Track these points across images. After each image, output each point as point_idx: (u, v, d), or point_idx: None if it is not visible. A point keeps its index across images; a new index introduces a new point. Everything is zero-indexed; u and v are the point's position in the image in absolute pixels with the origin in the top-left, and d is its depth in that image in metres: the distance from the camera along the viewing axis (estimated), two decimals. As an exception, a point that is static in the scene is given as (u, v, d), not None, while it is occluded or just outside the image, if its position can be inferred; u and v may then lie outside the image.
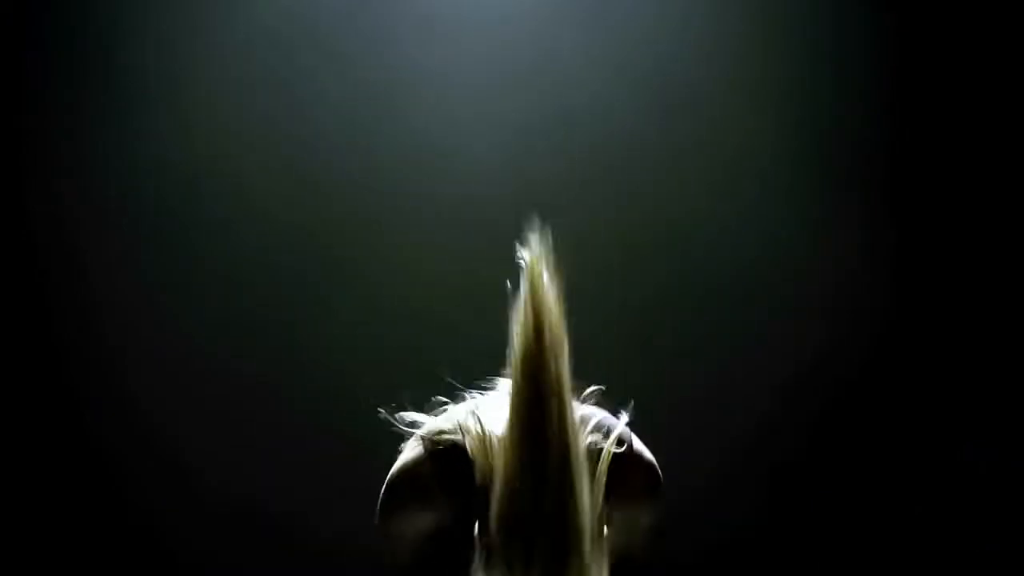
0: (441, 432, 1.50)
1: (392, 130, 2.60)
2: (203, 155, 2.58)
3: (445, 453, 1.49)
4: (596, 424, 1.48)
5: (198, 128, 2.58)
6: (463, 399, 1.68)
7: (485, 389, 1.71)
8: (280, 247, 2.59)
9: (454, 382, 1.72)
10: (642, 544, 1.59)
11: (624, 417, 1.58)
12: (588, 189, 2.61)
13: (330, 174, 2.60)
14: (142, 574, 2.57)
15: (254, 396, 2.58)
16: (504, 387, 1.61)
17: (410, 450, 1.55)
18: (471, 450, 1.43)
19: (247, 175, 2.59)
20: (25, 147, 2.57)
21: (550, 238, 1.41)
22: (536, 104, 2.60)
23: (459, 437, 1.47)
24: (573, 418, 1.39)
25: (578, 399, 1.64)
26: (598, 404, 1.66)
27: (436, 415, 1.61)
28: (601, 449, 1.44)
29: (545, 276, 1.42)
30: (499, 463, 1.36)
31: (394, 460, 1.56)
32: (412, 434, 1.58)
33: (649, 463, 1.60)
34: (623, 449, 1.50)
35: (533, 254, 1.41)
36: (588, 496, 1.32)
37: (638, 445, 1.59)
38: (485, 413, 1.53)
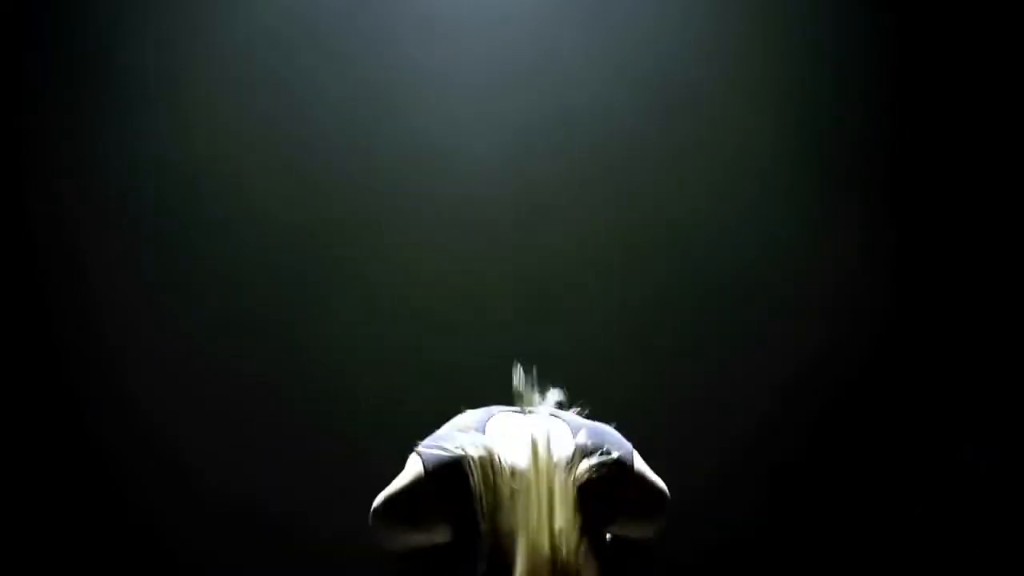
0: (444, 451, 1.49)
1: (392, 130, 2.60)
2: (203, 155, 2.58)
3: (446, 474, 1.48)
4: (595, 448, 1.48)
5: (198, 128, 2.58)
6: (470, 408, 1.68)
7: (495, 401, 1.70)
8: (280, 247, 2.59)
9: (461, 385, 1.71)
10: (641, 548, 1.60)
11: (627, 445, 1.57)
12: (588, 189, 2.61)
13: (330, 174, 2.60)
14: (142, 574, 2.57)
15: (254, 396, 2.58)
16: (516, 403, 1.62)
17: (411, 468, 1.54)
18: (475, 477, 1.42)
19: (247, 175, 2.59)
20: (25, 147, 2.57)
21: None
22: (536, 104, 2.61)
23: (461, 454, 1.46)
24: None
25: (580, 413, 1.64)
26: (600, 414, 1.65)
27: (443, 431, 1.60)
28: (599, 477, 1.44)
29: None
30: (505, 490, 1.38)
31: (394, 460, 1.55)
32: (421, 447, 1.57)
33: (650, 487, 1.59)
34: (624, 472, 1.51)
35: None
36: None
37: (639, 466, 1.58)
38: (492, 432, 1.52)
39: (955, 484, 2.59)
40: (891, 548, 2.60)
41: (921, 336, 2.62)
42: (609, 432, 1.57)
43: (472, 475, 1.42)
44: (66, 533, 2.56)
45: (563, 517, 1.34)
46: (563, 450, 1.46)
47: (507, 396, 1.64)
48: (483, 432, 1.52)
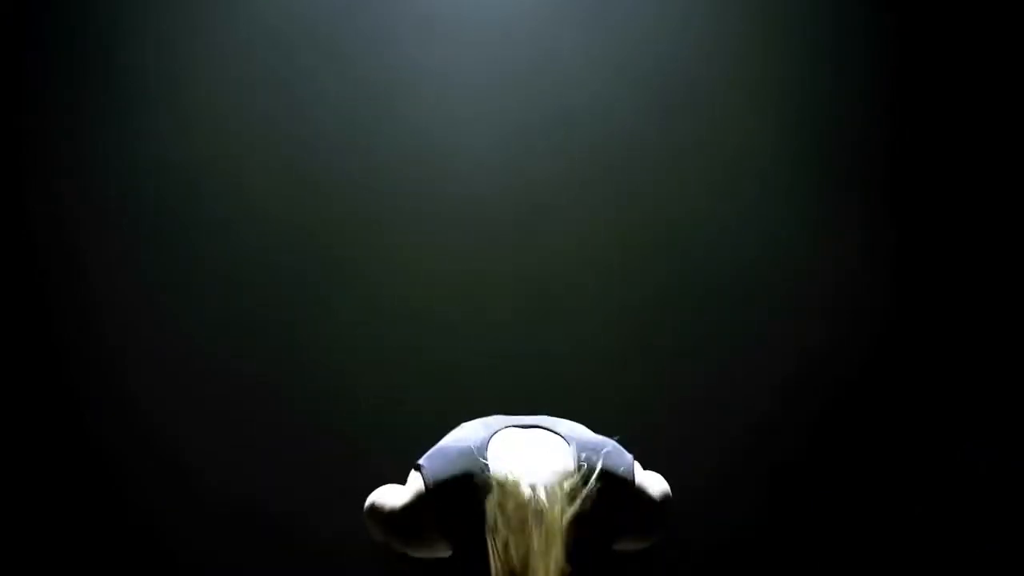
0: (445, 470, 1.49)
1: (392, 130, 2.60)
2: (203, 155, 2.58)
3: (447, 493, 1.47)
4: (594, 467, 1.48)
5: (198, 128, 2.58)
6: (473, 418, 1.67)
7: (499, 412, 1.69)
8: (280, 247, 2.59)
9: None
10: (642, 552, 1.60)
11: (628, 458, 1.57)
12: (588, 189, 2.61)
13: (330, 174, 2.60)
14: (142, 574, 2.57)
15: (254, 396, 2.58)
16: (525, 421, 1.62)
17: (412, 484, 1.53)
18: (477, 499, 1.42)
19: (247, 175, 2.59)
20: (25, 147, 2.58)
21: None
22: (536, 104, 2.61)
23: (462, 473, 1.46)
24: None
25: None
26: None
27: (444, 445, 1.59)
28: (600, 501, 1.44)
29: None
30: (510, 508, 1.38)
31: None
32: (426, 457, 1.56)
33: (650, 502, 1.59)
34: (625, 490, 1.51)
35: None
36: None
37: (640, 480, 1.58)
38: (494, 451, 1.51)
39: (955, 484, 2.59)
40: (891, 548, 2.60)
41: (921, 336, 2.62)
42: (609, 446, 1.57)
43: (475, 496, 1.42)
44: (66, 533, 2.56)
45: (563, 543, 1.35)
46: (564, 474, 1.46)
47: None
48: (486, 450, 1.51)
